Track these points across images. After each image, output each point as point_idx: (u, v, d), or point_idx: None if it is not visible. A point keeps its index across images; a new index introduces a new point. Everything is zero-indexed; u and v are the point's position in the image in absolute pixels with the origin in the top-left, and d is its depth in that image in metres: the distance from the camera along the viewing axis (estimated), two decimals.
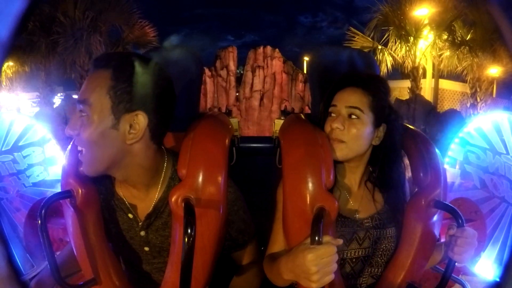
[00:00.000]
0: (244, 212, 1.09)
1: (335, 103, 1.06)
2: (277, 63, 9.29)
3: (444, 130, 6.22)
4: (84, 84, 0.90)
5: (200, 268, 0.95)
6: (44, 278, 1.02)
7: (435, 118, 6.65)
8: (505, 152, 2.42)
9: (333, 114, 1.06)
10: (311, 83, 1.31)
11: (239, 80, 9.39)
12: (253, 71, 9.28)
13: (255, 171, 1.45)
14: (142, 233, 1.03)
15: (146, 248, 1.05)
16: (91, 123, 0.87)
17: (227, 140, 1.05)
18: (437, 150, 1.13)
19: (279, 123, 1.43)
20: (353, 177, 1.12)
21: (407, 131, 1.17)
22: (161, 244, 1.03)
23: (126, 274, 1.10)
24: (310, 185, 0.98)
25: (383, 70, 9.25)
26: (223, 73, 9.28)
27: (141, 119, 0.89)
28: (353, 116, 1.04)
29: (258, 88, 9.21)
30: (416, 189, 1.10)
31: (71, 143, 1.04)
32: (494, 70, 8.56)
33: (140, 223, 1.02)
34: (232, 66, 9.33)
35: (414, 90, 9.09)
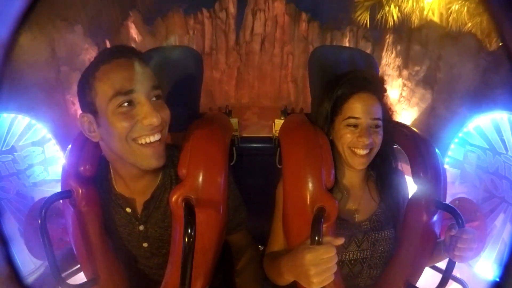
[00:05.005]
0: (235, 188, 1.09)
1: (357, 115, 1.03)
2: (278, 6, 8.68)
3: (460, 54, 5.58)
4: (146, 71, 0.91)
5: (200, 268, 0.95)
6: (46, 279, 1.02)
7: (451, 42, 5.95)
8: (505, 152, 2.43)
9: (355, 126, 1.04)
10: (311, 83, 1.31)
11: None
12: (254, 14, 8.71)
13: (255, 171, 1.45)
14: (141, 227, 1.03)
15: (145, 244, 1.05)
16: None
17: (227, 140, 1.05)
18: (437, 150, 1.13)
19: (279, 123, 1.42)
20: (355, 180, 1.12)
21: (407, 132, 1.17)
22: (160, 237, 1.03)
23: (126, 274, 1.10)
24: (310, 185, 0.98)
25: (390, 23, 8.74)
26: (222, 15, 8.65)
27: None
28: (376, 126, 1.04)
29: (259, 32, 8.63)
30: (416, 189, 1.10)
31: (71, 143, 1.05)
32: None
33: (138, 216, 1.02)
34: (232, 8, 8.69)
35: None
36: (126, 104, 0.86)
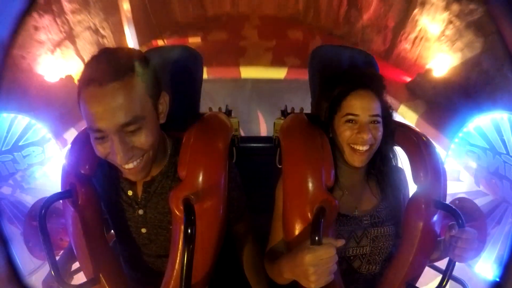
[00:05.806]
0: (238, 179, 1.11)
1: (355, 112, 1.03)
2: None
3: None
4: (118, 104, 0.82)
5: (200, 268, 0.95)
6: (51, 279, 1.03)
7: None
8: (505, 152, 2.43)
9: (354, 122, 1.04)
10: (311, 83, 1.31)
11: None
12: None
13: (255, 171, 1.45)
14: (141, 211, 1.04)
15: (144, 230, 1.06)
16: (151, 130, 0.89)
17: (226, 141, 1.06)
18: (437, 150, 1.13)
19: (279, 123, 1.42)
20: (356, 178, 1.12)
21: (407, 132, 1.17)
22: (159, 223, 1.04)
23: (125, 270, 1.10)
24: (310, 185, 0.98)
25: None
26: None
27: (166, 97, 0.96)
28: (376, 122, 1.04)
29: None
30: (416, 189, 1.10)
31: (71, 143, 1.05)
32: None
33: (139, 200, 1.04)
34: None
35: None
36: (99, 137, 0.86)
